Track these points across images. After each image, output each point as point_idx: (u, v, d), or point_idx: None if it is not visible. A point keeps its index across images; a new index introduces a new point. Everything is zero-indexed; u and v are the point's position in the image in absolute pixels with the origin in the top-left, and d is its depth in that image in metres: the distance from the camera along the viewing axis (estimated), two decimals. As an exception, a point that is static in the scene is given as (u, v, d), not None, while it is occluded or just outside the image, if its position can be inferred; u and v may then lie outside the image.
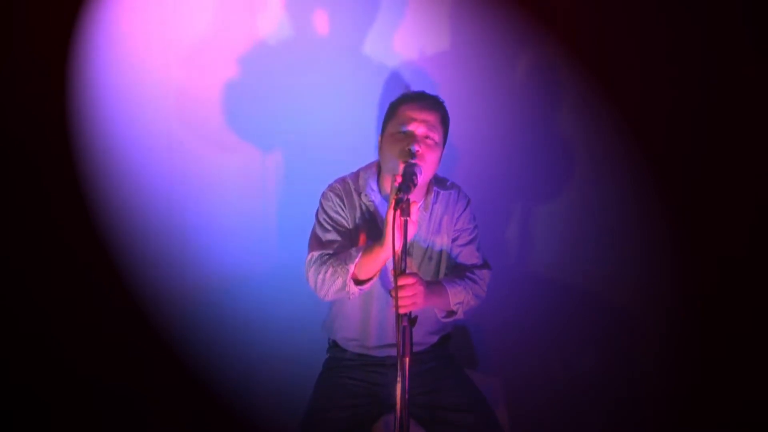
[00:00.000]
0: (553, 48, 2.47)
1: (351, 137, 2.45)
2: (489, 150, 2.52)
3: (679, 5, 2.42)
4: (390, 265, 1.76)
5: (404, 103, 1.97)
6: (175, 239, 2.53)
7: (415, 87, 2.11)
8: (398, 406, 1.62)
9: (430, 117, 1.93)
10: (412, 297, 1.71)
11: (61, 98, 2.41)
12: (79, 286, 2.48)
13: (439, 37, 2.48)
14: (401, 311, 1.66)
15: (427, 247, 2.04)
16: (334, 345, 2.14)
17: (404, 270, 1.71)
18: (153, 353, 2.51)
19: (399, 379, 1.61)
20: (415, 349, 1.99)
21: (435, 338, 2.11)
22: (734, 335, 2.47)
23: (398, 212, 1.66)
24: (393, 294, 1.68)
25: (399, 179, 1.73)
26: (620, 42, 2.46)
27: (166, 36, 2.46)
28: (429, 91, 2.04)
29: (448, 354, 2.16)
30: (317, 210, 2.03)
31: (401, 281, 1.70)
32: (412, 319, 1.67)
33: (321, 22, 2.47)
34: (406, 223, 1.66)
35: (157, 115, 2.48)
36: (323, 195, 2.03)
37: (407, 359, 1.62)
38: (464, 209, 2.08)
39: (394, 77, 2.47)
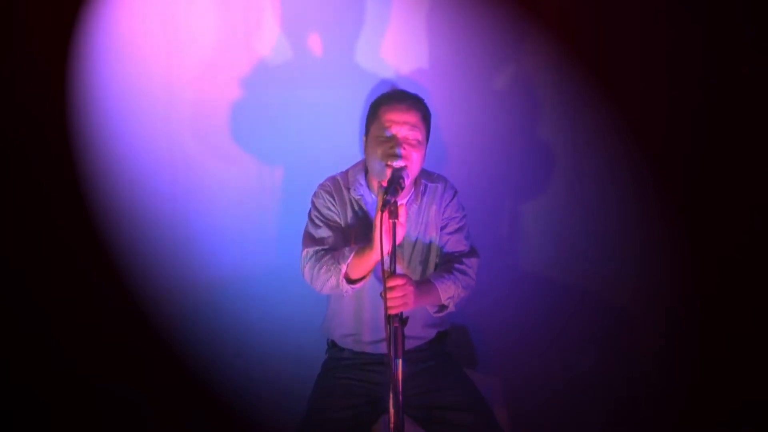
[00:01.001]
0: (553, 47, 2.47)
1: (346, 145, 2.45)
2: (489, 150, 2.53)
3: (679, 5, 2.42)
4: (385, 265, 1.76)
5: (384, 104, 1.97)
6: (176, 239, 2.53)
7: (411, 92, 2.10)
8: (391, 409, 1.62)
9: (412, 118, 1.94)
10: (402, 298, 1.72)
11: (61, 98, 2.41)
12: (79, 286, 2.48)
13: (435, 41, 2.48)
14: (391, 312, 1.67)
15: (417, 239, 2.05)
16: (332, 345, 2.15)
17: (394, 271, 1.71)
18: (153, 353, 2.50)
19: (391, 381, 1.62)
20: (413, 343, 2.03)
21: (432, 332, 2.12)
22: (734, 335, 2.47)
23: (386, 215, 1.67)
24: (383, 296, 1.68)
25: (385, 183, 1.74)
26: (620, 42, 2.46)
27: (166, 40, 2.46)
28: (427, 94, 2.04)
29: (446, 352, 2.16)
30: (310, 209, 2.06)
31: (391, 283, 1.70)
32: (403, 320, 1.67)
33: (314, 38, 2.48)
34: (394, 225, 1.67)
35: (158, 117, 2.49)
36: (315, 194, 2.07)
37: (400, 361, 1.62)
38: (452, 199, 2.10)
39: (389, 85, 2.47)
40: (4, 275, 2.44)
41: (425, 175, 2.11)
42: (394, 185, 1.75)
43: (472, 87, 2.50)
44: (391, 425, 1.63)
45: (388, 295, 1.68)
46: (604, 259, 2.55)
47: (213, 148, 2.51)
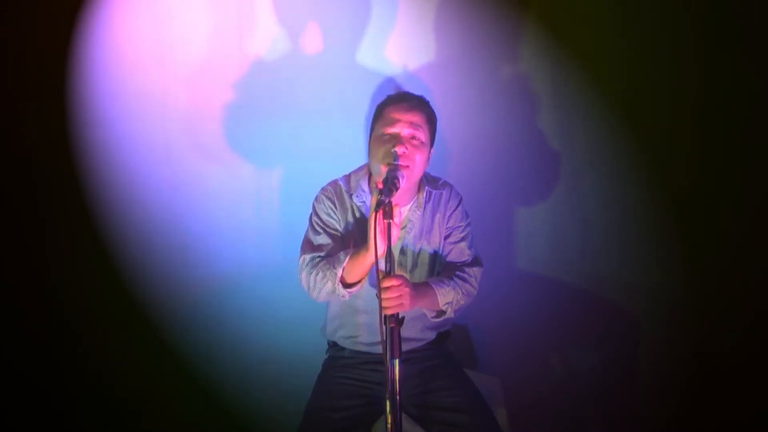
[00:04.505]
0: (554, 49, 2.47)
1: (346, 144, 2.46)
2: (490, 151, 2.53)
3: (679, 5, 2.42)
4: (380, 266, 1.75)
5: (389, 104, 1.97)
6: (176, 239, 2.54)
7: (409, 91, 2.10)
8: (388, 411, 1.62)
9: (415, 117, 1.93)
10: (398, 298, 1.71)
11: (62, 98, 2.42)
12: (79, 286, 2.48)
13: (433, 41, 2.48)
14: (387, 312, 1.67)
15: (421, 249, 2.04)
16: (333, 344, 2.14)
17: (390, 272, 1.71)
18: (153, 353, 2.51)
19: (389, 382, 1.62)
20: (413, 345, 2.03)
21: (433, 335, 2.11)
22: (734, 335, 2.47)
23: (380, 215, 1.67)
24: (378, 296, 1.68)
25: (380, 184, 1.73)
26: (620, 42, 2.46)
27: (160, 41, 2.47)
28: (427, 94, 2.04)
29: (446, 352, 2.15)
30: (311, 214, 2.05)
31: (387, 283, 1.69)
32: (399, 320, 1.67)
33: (312, 36, 2.47)
34: (389, 225, 1.67)
35: (159, 119, 2.50)
36: (316, 198, 2.05)
37: (397, 361, 1.62)
38: (456, 207, 2.08)
39: (389, 83, 2.48)
40: (4, 275, 2.44)
41: (430, 181, 2.09)
42: (389, 185, 1.74)
43: (473, 89, 2.50)
44: (389, 427, 1.63)
45: (384, 296, 1.68)
46: (605, 260, 2.55)
47: (214, 154, 2.51)
